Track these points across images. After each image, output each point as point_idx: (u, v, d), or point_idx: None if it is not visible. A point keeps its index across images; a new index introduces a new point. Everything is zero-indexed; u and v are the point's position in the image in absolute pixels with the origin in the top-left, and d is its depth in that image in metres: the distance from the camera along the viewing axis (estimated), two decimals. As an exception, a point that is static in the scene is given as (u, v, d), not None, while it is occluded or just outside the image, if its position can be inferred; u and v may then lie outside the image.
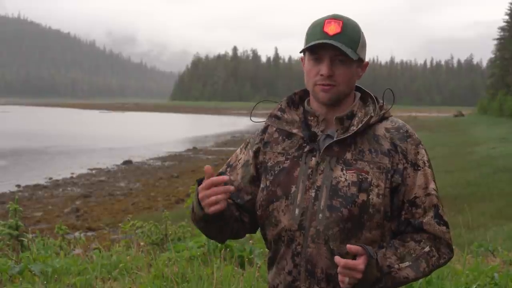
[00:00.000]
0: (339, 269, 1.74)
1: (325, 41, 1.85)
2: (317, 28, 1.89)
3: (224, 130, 52.75)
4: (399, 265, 1.82)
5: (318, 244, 1.86)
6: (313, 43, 1.86)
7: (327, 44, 1.85)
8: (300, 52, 1.94)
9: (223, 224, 1.94)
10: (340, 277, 1.75)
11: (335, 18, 1.89)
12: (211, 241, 5.27)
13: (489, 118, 52.99)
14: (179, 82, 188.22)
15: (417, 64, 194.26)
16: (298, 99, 2.04)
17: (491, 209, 13.41)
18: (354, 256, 1.75)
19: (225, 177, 1.82)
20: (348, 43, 1.86)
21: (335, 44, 1.84)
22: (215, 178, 1.82)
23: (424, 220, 1.89)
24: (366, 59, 1.99)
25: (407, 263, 1.83)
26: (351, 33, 1.88)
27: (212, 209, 1.83)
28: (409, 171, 1.90)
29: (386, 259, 1.81)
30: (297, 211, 1.88)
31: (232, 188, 1.84)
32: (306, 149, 1.93)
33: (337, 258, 1.73)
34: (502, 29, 65.49)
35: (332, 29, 1.86)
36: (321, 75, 1.88)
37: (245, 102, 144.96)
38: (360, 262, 1.72)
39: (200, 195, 1.84)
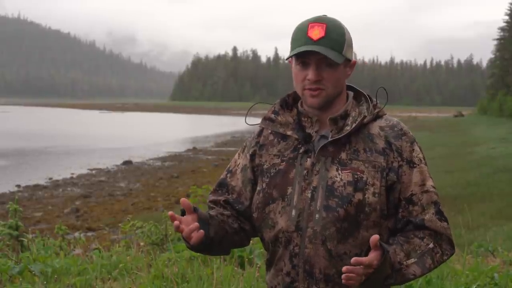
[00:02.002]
0: (362, 271, 1.70)
1: (310, 48, 1.85)
2: (300, 33, 1.89)
3: (224, 130, 52.72)
4: (406, 262, 1.82)
5: (315, 245, 1.86)
6: (297, 50, 1.86)
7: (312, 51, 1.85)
8: (286, 60, 1.95)
9: (218, 244, 1.96)
10: (359, 278, 1.71)
11: (318, 21, 1.89)
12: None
13: (489, 118, 52.99)
14: (179, 82, 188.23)
15: (417, 64, 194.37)
16: (292, 100, 2.04)
17: (491, 209, 13.41)
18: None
19: (176, 217, 1.83)
20: (333, 46, 1.86)
21: (320, 51, 1.84)
22: (178, 219, 1.83)
23: (425, 217, 1.89)
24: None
25: (413, 260, 1.83)
26: (335, 36, 1.88)
27: (193, 241, 1.84)
28: (404, 168, 1.90)
29: (396, 256, 1.81)
30: (293, 212, 1.89)
31: (195, 225, 1.83)
32: (301, 151, 1.93)
33: (361, 259, 1.70)
34: (502, 29, 65.49)
35: (316, 33, 1.86)
36: (309, 79, 1.88)
37: (245, 102, 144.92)
38: (374, 258, 1.72)
39: (178, 230, 1.86)
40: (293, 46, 1.90)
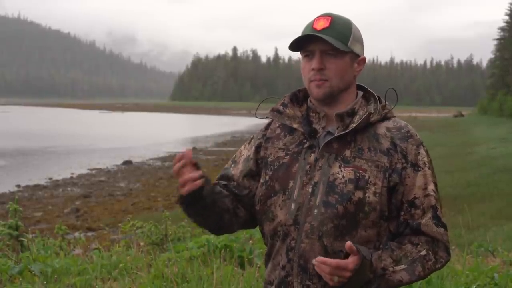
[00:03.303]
0: (329, 270, 1.73)
1: (311, 33, 1.87)
2: (307, 27, 1.92)
3: (224, 130, 52.71)
4: (393, 268, 1.81)
5: (311, 240, 1.86)
6: (299, 37, 1.89)
7: (314, 38, 1.87)
8: (290, 50, 1.95)
9: (206, 208, 1.94)
10: (328, 277, 1.74)
11: (325, 15, 1.92)
12: (211, 241, 5.28)
13: (489, 118, 52.96)
14: (179, 82, 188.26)
15: (417, 64, 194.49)
16: (303, 96, 2.05)
17: (491, 209, 13.40)
18: (346, 254, 1.75)
19: (188, 153, 1.85)
20: (337, 36, 1.88)
21: (321, 36, 1.86)
22: (178, 156, 1.86)
23: (422, 222, 1.88)
24: (366, 59, 1.99)
25: (402, 266, 1.82)
26: (340, 28, 1.89)
27: (184, 190, 1.86)
28: (408, 171, 1.89)
29: (381, 261, 1.80)
30: (293, 206, 1.89)
31: (197, 174, 1.85)
32: (305, 145, 1.93)
33: (329, 260, 1.73)
34: (502, 29, 65.46)
35: (321, 24, 1.89)
36: (313, 69, 1.89)
37: (245, 102, 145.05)
38: (350, 262, 1.72)
39: (176, 177, 1.88)
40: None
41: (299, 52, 1.96)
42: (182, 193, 1.87)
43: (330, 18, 1.90)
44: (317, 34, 1.86)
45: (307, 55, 1.92)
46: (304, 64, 1.94)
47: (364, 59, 1.98)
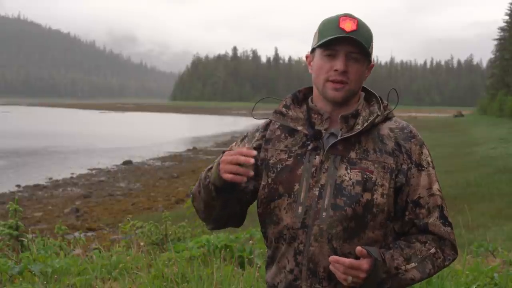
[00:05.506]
0: (343, 269, 1.73)
1: (345, 35, 1.84)
2: (331, 25, 1.88)
3: (224, 130, 52.70)
4: (405, 267, 1.81)
5: (320, 243, 1.85)
6: (331, 37, 1.85)
7: (345, 39, 1.84)
8: (315, 47, 1.91)
9: (229, 201, 1.93)
10: (342, 276, 1.74)
11: (349, 16, 1.89)
12: (211, 241, 5.28)
13: (489, 118, 52.93)
14: (179, 82, 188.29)
15: (417, 64, 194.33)
16: (302, 96, 2.03)
17: (491, 209, 13.40)
18: (356, 256, 1.75)
19: (251, 159, 1.78)
20: (364, 41, 1.87)
21: (357, 38, 1.84)
22: (244, 151, 1.79)
23: (429, 221, 1.89)
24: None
25: (413, 264, 1.82)
26: (365, 32, 1.88)
27: (230, 176, 1.80)
28: (413, 171, 1.89)
29: (393, 261, 1.80)
30: (300, 209, 1.87)
31: (251, 173, 1.80)
32: (310, 147, 1.91)
33: (342, 259, 1.73)
34: (502, 29, 65.41)
35: (348, 26, 1.86)
36: (336, 70, 1.87)
37: (245, 102, 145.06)
38: (364, 262, 1.72)
39: (223, 158, 1.83)
40: (322, 37, 1.88)
41: (308, 50, 1.94)
42: (224, 178, 1.81)
43: (356, 20, 1.88)
44: (351, 36, 1.84)
45: (331, 54, 1.89)
46: (323, 62, 1.89)
47: (373, 65, 1.98)
